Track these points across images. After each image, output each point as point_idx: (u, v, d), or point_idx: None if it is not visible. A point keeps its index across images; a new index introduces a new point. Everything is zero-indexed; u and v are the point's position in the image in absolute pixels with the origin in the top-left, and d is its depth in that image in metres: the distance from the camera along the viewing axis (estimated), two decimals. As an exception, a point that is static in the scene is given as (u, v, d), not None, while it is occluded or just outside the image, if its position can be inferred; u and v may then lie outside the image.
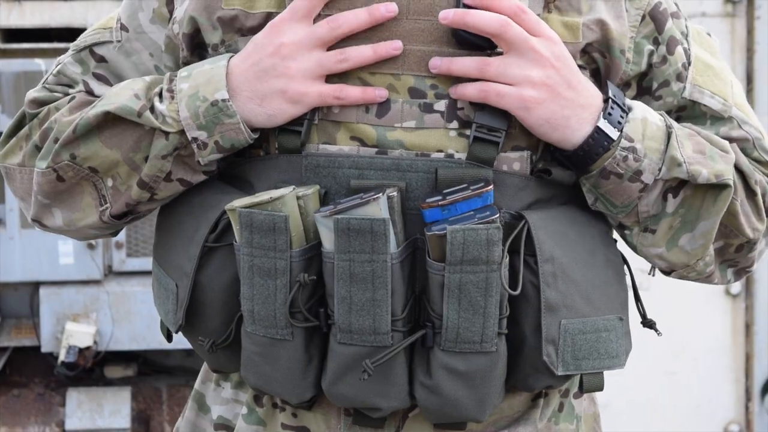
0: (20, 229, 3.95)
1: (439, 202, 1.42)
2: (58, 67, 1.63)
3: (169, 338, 1.65)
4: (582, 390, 1.51)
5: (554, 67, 1.44)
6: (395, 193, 1.43)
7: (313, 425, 1.56)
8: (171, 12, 1.57)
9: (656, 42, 1.54)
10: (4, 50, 3.93)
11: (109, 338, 4.03)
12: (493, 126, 1.45)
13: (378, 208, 1.41)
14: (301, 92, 1.46)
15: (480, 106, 1.46)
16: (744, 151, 1.57)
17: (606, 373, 1.54)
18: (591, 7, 1.51)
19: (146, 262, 4.01)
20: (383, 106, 1.47)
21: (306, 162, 1.48)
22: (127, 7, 1.61)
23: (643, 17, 1.53)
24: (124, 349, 4.07)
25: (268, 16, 1.50)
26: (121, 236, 3.99)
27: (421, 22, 1.47)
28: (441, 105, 1.47)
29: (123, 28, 1.60)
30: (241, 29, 1.51)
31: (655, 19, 1.54)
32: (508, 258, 1.43)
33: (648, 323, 1.61)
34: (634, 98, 1.56)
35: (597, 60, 1.52)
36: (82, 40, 1.64)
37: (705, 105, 1.57)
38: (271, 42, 1.47)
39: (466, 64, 1.45)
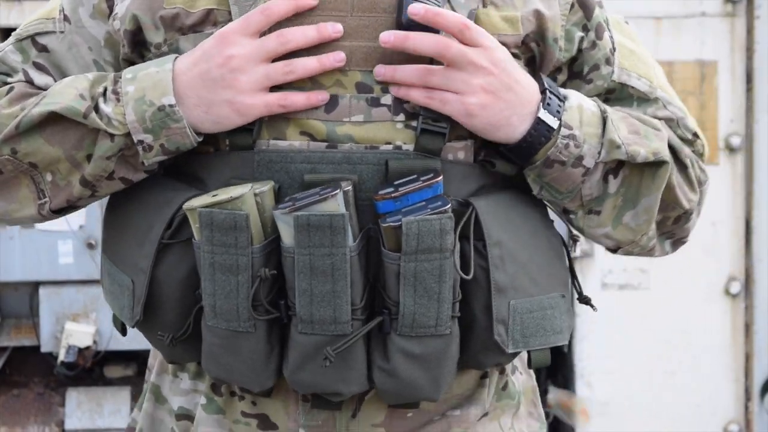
0: (20, 229, 3.95)
1: (392, 194, 1.47)
2: None
3: (124, 332, 1.69)
4: (530, 366, 1.58)
5: (493, 74, 1.50)
6: (350, 188, 1.48)
7: (272, 412, 1.60)
8: (111, 8, 1.59)
9: (585, 29, 1.61)
10: (3, 50, 3.93)
11: (109, 338, 4.03)
12: (439, 117, 1.51)
13: (336, 204, 1.45)
14: (247, 104, 1.50)
15: None
16: (670, 129, 1.65)
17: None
18: (525, 0, 1.58)
19: (146, 262, 4.01)
20: (331, 102, 1.51)
21: (258, 158, 1.52)
22: None
23: (572, 5, 1.60)
24: (124, 349, 4.07)
25: (208, 13, 1.53)
26: (121, 236, 3.99)
27: (365, 19, 1.52)
28: (387, 99, 1.52)
29: (66, 19, 1.62)
30: (182, 28, 1.54)
31: (584, 6, 1.61)
32: (459, 245, 1.49)
33: (584, 300, 1.67)
34: (564, 82, 1.63)
35: (533, 49, 1.58)
36: (24, 30, 1.64)
37: (633, 87, 1.65)
38: (220, 53, 1.50)
39: (409, 72, 1.51)
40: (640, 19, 4.01)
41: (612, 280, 4.01)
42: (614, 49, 1.64)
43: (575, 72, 1.64)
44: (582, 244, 3.83)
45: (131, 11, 1.56)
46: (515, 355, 1.57)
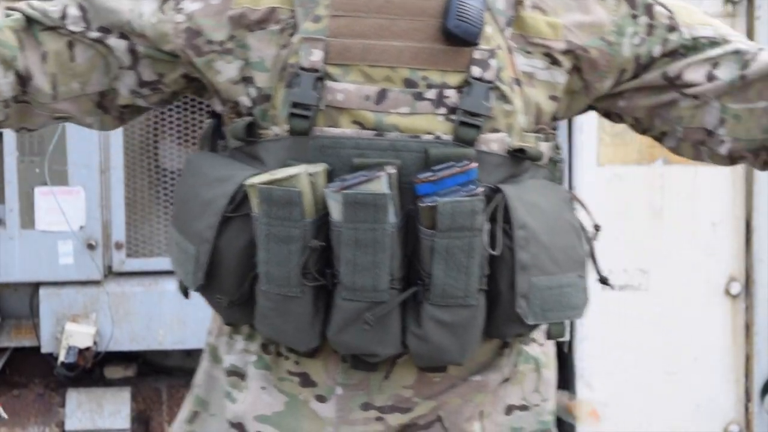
0: (20, 229, 3.95)
1: (430, 178, 1.65)
2: None
3: (186, 295, 1.87)
4: (549, 337, 1.79)
5: None
6: (394, 171, 1.66)
7: (313, 371, 1.78)
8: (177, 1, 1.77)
9: (634, 18, 1.77)
10: (3, 50, 3.93)
11: (109, 339, 4.02)
12: (476, 112, 1.69)
13: (380, 184, 1.64)
14: None
15: (465, 93, 1.69)
16: (738, 49, 1.78)
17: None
18: (566, 10, 1.75)
19: (146, 263, 4.00)
20: (381, 95, 1.70)
21: (313, 143, 1.70)
22: None
23: (618, 2, 1.77)
24: (124, 349, 4.07)
25: (272, 11, 1.72)
26: (121, 237, 3.99)
27: (414, 23, 1.70)
28: (431, 94, 1.70)
29: None
30: (248, 25, 1.72)
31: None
32: (488, 225, 1.66)
33: (603, 280, 1.84)
34: (630, 78, 1.78)
35: (579, 57, 1.76)
36: None
37: (704, 36, 1.79)
38: None
39: None
40: (640, 20, 4.01)
41: (612, 281, 4.01)
42: (671, 12, 1.79)
43: (642, 65, 1.79)
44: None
45: (196, 17, 1.73)
46: (534, 327, 1.74)
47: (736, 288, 4.07)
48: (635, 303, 3.98)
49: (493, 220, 1.68)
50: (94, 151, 3.92)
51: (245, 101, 1.75)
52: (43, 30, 1.76)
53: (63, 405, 4.18)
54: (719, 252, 4.07)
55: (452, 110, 1.70)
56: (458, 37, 1.68)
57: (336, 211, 1.65)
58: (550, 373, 1.91)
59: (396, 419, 1.78)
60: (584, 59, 1.76)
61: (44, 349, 4.03)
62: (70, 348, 3.96)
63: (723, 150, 1.81)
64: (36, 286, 4.03)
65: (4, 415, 4.03)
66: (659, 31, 1.78)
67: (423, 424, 1.79)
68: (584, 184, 3.90)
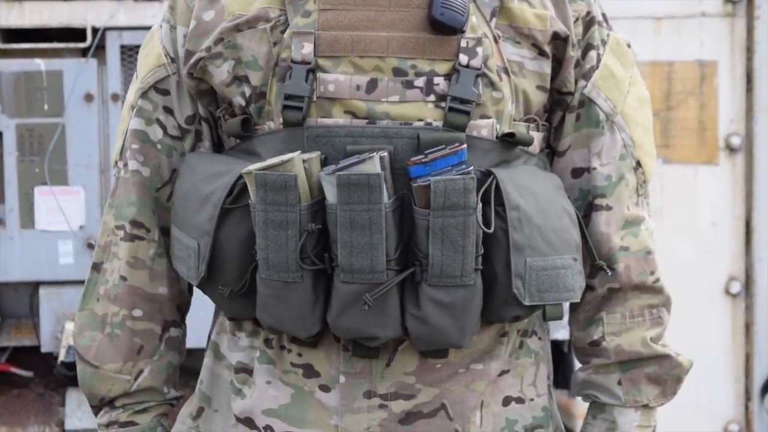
0: (20, 229, 3.95)
1: (422, 160, 1.67)
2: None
3: (190, 291, 1.92)
4: (545, 318, 1.76)
5: None
6: (385, 154, 1.68)
7: (316, 361, 1.80)
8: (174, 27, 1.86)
9: (578, 44, 1.82)
10: (4, 50, 3.93)
11: (109, 338, 4.02)
12: (465, 98, 1.72)
13: (373, 164, 1.66)
14: None
15: (454, 81, 1.72)
16: (623, 156, 1.85)
17: None
18: (543, 4, 1.79)
19: (146, 262, 4.00)
20: (371, 84, 1.73)
21: (307, 133, 1.73)
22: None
23: (577, 19, 1.82)
24: (124, 349, 4.06)
25: (262, 10, 1.76)
26: (121, 236, 3.99)
27: (401, 13, 1.73)
28: (420, 81, 1.73)
29: (172, 60, 1.86)
30: (237, 26, 1.76)
31: (584, 24, 1.83)
32: (481, 205, 1.68)
33: (599, 265, 1.84)
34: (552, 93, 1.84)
35: (559, 47, 1.79)
36: (143, 83, 1.88)
37: (598, 105, 1.83)
38: None
39: None
40: (640, 19, 4.01)
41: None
42: (597, 67, 1.83)
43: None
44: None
45: (191, 38, 1.81)
46: (532, 309, 1.74)
47: (736, 287, 4.07)
48: (635, 303, 3.97)
49: (486, 202, 1.70)
50: (94, 151, 3.92)
51: (239, 101, 1.79)
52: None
53: (63, 404, 4.18)
54: (719, 252, 4.07)
55: (442, 97, 1.73)
56: (444, 25, 1.71)
57: (331, 194, 1.67)
58: (547, 368, 1.92)
59: (399, 406, 1.79)
60: (562, 53, 1.81)
61: (44, 349, 4.03)
62: (70, 347, 3.96)
63: None
64: (36, 285, 4.03)
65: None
66: (582, 70, 1.84)
67: (427, 412, 1.80)
68: (584, 183, 3.90)
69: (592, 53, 1.83)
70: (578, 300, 1.79)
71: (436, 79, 1.73)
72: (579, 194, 1.86)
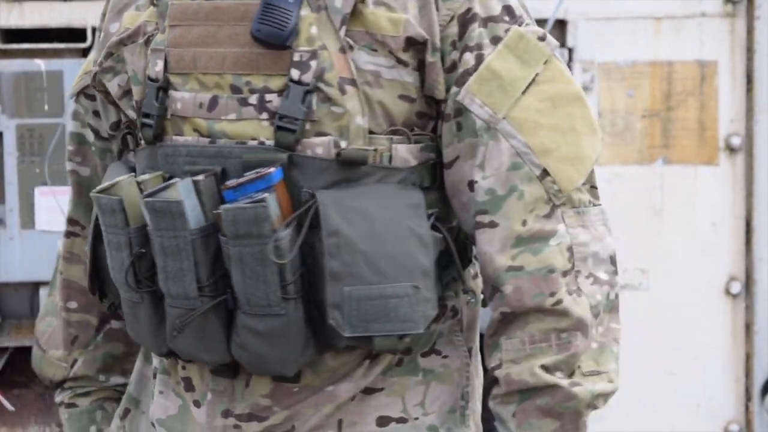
0: (20, 229, 3.95)
1: (232, 185, 1.63)
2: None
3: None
4: (373, 350, 1.66)
5: None
6: (201, 177, 1.64)
7: (194, 375, 1.79)
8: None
9: (454, 46, 1.67)
10: (3, 50, 3.93)
11: (109, 338, 4.02)
12: (292, 116, 1.64)
13: (177, 191, 1.64)
14: None
15: (284, 97, 1.65)
16: (515, 165, 1.66)
17: None
18: (405, 7, 1.66)
19: (146, 262, 4.00)
20: (213, 102, 1.69)
21: (160, 151, 1.71)
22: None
23: (452, 19, 1.67)
24: (124, 349, 4.07)
25: (142, 24, 1.74)
26: (121, 236, 3.99)
27: (237, 27, 1.68)
28: (254, 99, 1.67)
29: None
30: (123, 40, 1.76)
31: (461, 23, 1.67)
32: (289, 230, 1.61)
33: (465, 291, 1.76)
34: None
35: (420, 52, 1.66)
36: (74, 87, 1.92)
37: (473, 112, 1.66)
38: None
39: None
40: (640, 19, 4.01)
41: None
42: (474, 70, 1.66)
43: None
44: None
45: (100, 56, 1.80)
46: (366, 340, 1.64)
47: (736, 287, 4.07)
48: (635, 303, 3.98)
49: (312, 226, 1.62)
50: (94, 150, 3.92)
51: (132, 114, 1.78)
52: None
53: (63, 405, 4.18)
54: (719, 252, 4.07)
55: (273, 115, 1.66)
56: (266, 42, 1.65)
57: (147, 218, 1.67)
58: (450, 388, 1.80)
59: (252, 428, 1.75)
60: (425, 60, 1.67)
61: (44, 349, 4.03)
62: (70, 348, 3.96)
63: None
64: (36, 286, 4.03)
65: (11, 407, 4.03)
66: (456, 75, 1.68)
67: None
68: (584, 183, 3.90)
69: (468, 56, 1.67)
70: (420, 331, 1.66)
71: (269, 96, 1.67)
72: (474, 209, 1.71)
